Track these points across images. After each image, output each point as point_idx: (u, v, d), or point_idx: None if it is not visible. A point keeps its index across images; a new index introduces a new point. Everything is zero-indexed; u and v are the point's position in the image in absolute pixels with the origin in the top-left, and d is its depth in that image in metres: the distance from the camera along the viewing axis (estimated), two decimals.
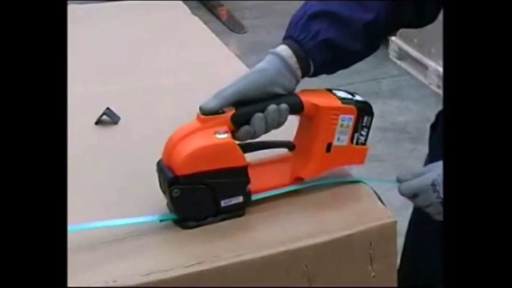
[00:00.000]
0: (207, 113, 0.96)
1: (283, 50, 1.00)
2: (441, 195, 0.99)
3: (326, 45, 1.01)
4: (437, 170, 1.00)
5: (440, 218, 1.00)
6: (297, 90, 1.02)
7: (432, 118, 1.36)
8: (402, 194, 1.02)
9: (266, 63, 0.99)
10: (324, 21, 1.01)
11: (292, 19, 1.04)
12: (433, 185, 0.99)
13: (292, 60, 1.00)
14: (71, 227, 0.87)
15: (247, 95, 0.97)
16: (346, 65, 1.07)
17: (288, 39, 1.02)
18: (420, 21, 1.11)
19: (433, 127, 1.32)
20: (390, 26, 1.07)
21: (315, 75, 1.04)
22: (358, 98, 1.04)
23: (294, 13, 1.04)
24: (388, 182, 1.05)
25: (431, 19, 1.11)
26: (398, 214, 1.02)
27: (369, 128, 1.03)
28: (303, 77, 1.02)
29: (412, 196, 1.02)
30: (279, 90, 0.99)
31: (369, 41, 1.05)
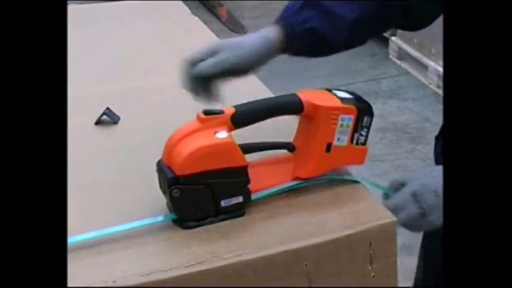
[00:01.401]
0: (202, 74, 1.02)
1: (271, 30, 1.08)
2: (423, 205, 0.99)
3: (311, 33, 1.08)
4: (418, 179, 1.02)
5: (418, 230, 1.04)
6: (297, 91, 1.02)
7: (432, 118, 1.36)
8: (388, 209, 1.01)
9: (257, 41, 1.07)
10: (314, 10, 1.08)
11: (287, 5, 1.11)
12: (413, 195, 1.00)
13: (276, 39, 1.08)
14: (71, 238, 0.87)
15: (235, 69, 1.05)
16: (327, 53, 1.14)
17: (279, 21, 1.09)
18: (406, 23, 1.16)
19: (437, 138, 1.32)
20: (376, 24, 1.14)
21: (297, 54, 1.12)
22: (358, 98, 1.03)
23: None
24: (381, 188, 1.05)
25: (421, 23, 1.16)
26: None
27: (368, 128, 1.03)
28: (284, 53, 1.10)
29: (395, 211, 1.01)
30: (254, 62, 1.07)
31: (352, 37, 1.11)
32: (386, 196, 1.05)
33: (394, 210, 1.00)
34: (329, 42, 1.09)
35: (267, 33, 1.08)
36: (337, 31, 1.09)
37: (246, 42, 1.07)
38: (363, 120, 1.02)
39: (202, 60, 1.06)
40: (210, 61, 1.05)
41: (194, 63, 1.06)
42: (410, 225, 1.01)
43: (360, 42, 1.15)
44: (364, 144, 1.04)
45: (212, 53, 1.06)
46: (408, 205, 1.00)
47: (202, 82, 1.07)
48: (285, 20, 1.09)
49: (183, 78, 1.08)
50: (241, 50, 1.06)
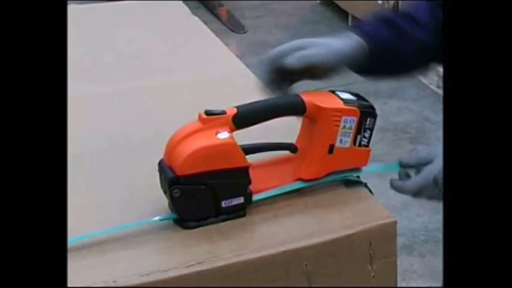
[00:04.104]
0: (290, 66, 1.00)
1: (359, 39, 1.07)
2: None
3: (389, 48, 1.09)
4: (438, 164, 0.99)
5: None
6: (299, 91, 1.02)
7: (432, 118, 1.37)
8: (404, 193, 1.02)
9: (351, 47, 1.06)
10: (390, 28, 1.10)
11: (363, 20, 1.14)
12: (435, 181, 0.99)
13: (360, 51, 1.06)
14: (71, 238, 0.87)
15: (322, 65, 1.03)
16: (396, 73, 1.17)
17: (358, 31, 1.08)
18: None
19: None
20: (436, 52, 1.13)
21: (367, 71, 1.12)
22: (361, 99, 1.03)
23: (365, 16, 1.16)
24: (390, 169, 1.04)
25: None
26: (398, 214, 1.02)
27: (372, 129, 1.03)
28: (356, 70, 1.10)
29: (415, 194, 1.02)
30: (341, 69, 1.06)
31: (418, 59, 1.14)
32: (402, 165, 1.03)
33: (414, 193, 1.01)
34: (402, 60, 1.11)
35: (352, 39, 1.07)
36: (407, 49, 1.10)
37: (332, 42, 1.06)
38: (365, 121, 1.02)
39: (288, 55, 1.04)
40: (299, 54, 1.03)
41: (280, 56, 1.04)
42: (434, 201, 1.02)
43: (423, 67, 1.18)
44: (367, 145, 1.04)
45: (298, 48, 1.04)
46: (429, 189, 1.00)
47: (286, 76, 1.05)
48: (364, 32, 1.08)
49: (264, 72, 1.05)
50: (327, 47, 1.04)
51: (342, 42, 1.06)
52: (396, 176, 1.04)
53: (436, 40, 1.09)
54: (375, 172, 1.05)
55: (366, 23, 1.12)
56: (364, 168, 1.05)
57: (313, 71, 1.05)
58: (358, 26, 1.11)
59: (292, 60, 1.02)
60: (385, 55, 1.09)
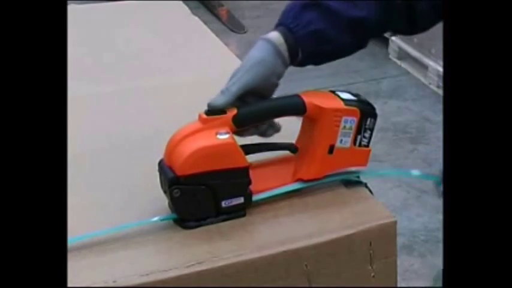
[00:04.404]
0: (216, 109, 0.96)
1: (275, 36, 1.02)
2: None
3: (315, 36, 1.03)
4: None
5: None
6: (300, 91, 1.02)
7: (432, 118, 1.36)
8: None
9: (262, 52, 1.01)
10: (315, 11, 1.03)
11: (285, 8, 1.06)
12: None
13: (283, 47, 1.01)
14: (71, 238, 0.87)
15: (252, 87, 0.99)
16: (332, 58, 1.09)
17: (280, 26, 1.03)
18: (411, 30, 1.13)
19: None
20: (379, 28, 1.09)
21: (302, 65, 1.06)
22: (361, 99, 1.03)
23: (288, 3, 1.06)
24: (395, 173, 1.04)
25: (423, 29, 1.13)
26: (398, 214, 1.02)
27: (372, 130, 1.03)
28: (290, 65, 1.04)
29: None
30: (276, 80, 1.02)
31: (356, 37, 1.07)
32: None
33: None
34: (333, 44, 1.04)
35: (271, 39, 1.01)
36: (339, 31, 1.03)
37: (254, 55, 1.00)
38: (366, 122, 1.02)
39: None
40: (221, 91, 0.98)
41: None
42: None
43: (362, 44, 1.09)
44: (367, 146, 1.04)
45: (228, 82, 0.99)
46: None
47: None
48: (285, 26, 1.02)
49: None
50: (250, 66, 0.99)
51: (265, 50, 1.00)
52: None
53: (379, 17, 1.05)
54: (392, 176, 1.04)
55: (291, 14, 1.03)
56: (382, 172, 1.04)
57: (254, 92, 1.00)
58: (282, 19, 1.03)
59: (219, 98, 0.97)
60: (316, 43, 1.03)
